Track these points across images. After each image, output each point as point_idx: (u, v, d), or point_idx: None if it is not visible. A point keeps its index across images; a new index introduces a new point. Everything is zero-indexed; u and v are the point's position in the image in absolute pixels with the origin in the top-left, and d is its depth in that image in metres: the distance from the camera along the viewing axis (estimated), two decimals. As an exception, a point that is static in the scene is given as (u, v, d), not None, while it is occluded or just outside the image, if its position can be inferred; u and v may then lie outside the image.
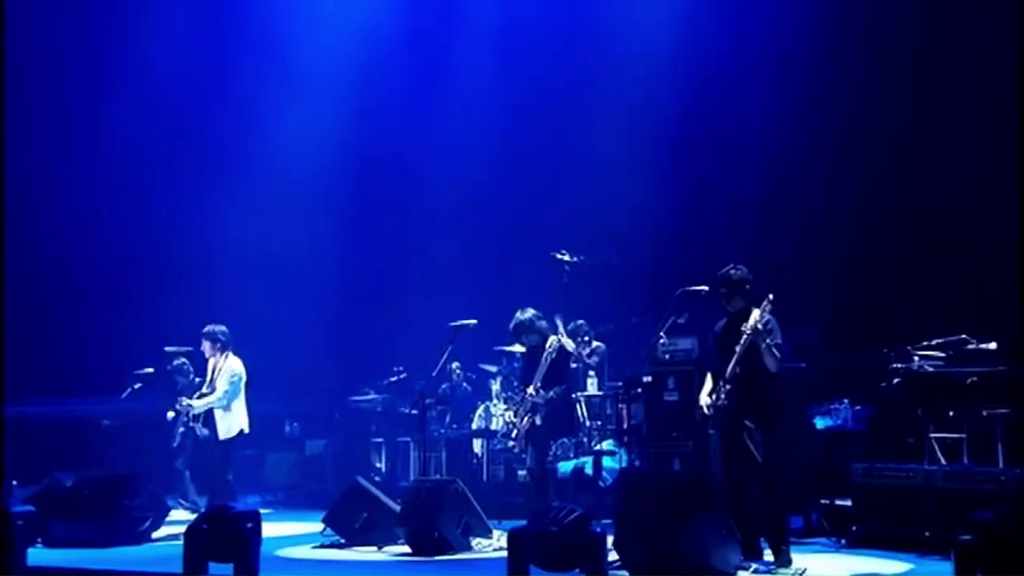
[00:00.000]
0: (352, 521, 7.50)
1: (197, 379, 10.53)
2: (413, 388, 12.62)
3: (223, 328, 9.04)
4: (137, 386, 10.71)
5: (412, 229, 13.20)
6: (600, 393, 9.72)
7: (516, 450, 7.96)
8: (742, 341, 6.19)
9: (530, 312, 7.96)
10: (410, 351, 12.79)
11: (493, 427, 9.99)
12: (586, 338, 9.71)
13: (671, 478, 6.80)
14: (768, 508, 6.11)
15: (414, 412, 12.14)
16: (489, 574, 6.40)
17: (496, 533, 7.34)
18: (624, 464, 9.07)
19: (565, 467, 9.04)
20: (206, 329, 8.98)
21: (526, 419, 7.79)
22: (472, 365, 12.27)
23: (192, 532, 5.69)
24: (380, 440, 12.07)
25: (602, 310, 10.44)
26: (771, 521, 6.10)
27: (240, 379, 8.91)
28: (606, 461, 9.04)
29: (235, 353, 9.03)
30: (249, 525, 5.60)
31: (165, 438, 10.46)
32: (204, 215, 12.53)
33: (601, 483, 8.87)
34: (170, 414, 9.69)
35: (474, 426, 10.39)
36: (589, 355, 9.60)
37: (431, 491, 7.17)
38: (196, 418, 8.83)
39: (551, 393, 7.72)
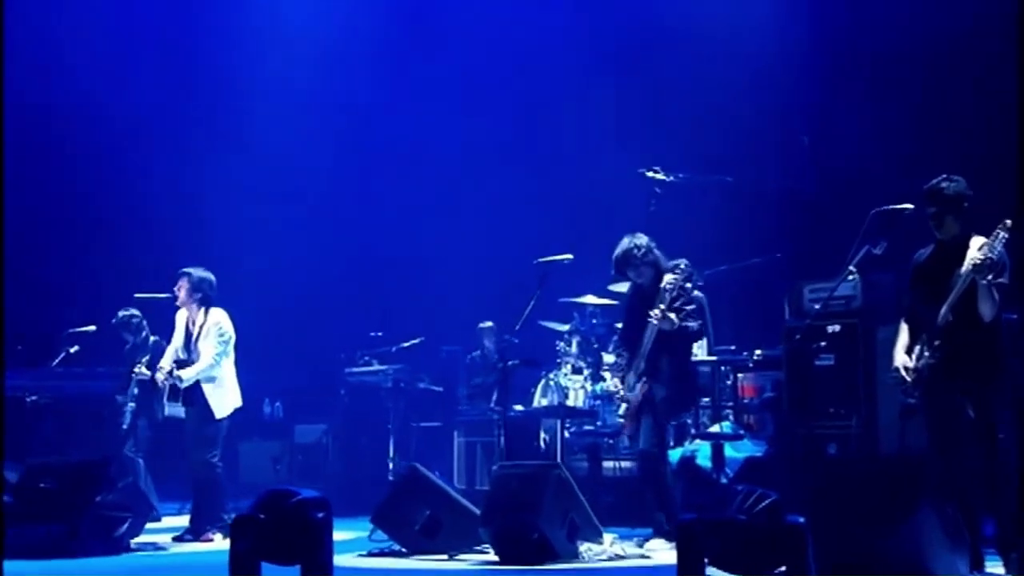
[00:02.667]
0: (410, 521, 7.58)
1: (153, 338, 10.59)
2: (439, 356, 12.89)
3: (209, 275, 9.03)
4: (73, 349, 10.67)
5: (432, 139, 13.23)
6: (713, 359, 9.85)
7: (627, 431, 8.04)
8: (960, 279, 6.26)
9: (644, 238, 7.98)
10: (426, 309, 12.99)
11: (571, 403, 10.09)
12: (687, 285, 9.78)
13: (880, 462, 6.92)
14: (999, 501, 6.21)
15: (437, 389, 12.49)
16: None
17: (608, 537, 7.46)
18: (752, 451, 9.22)
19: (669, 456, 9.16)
20: (188, 270, 8.96)
21: (639, 388, 7.87)
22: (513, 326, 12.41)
23: (243, 524, 5.74)
24: (391, 426, 12.20)
25: (706, 248, 10.50)
26: (1003, 516, 6.22)
27: (230, 338, 8.94)
28: (727, 449, 9.17)
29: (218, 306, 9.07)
30: (320, 515, 5.67)
31: (112, 417, 10.57)
32: (166, 149, 13.07)
33: (723, 477, 9.00)
34: (140, 370, 9.66)
35: (538, 403, 10.49)
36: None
37: (527, 479, 7.23)
38: (174, 392, 8.82)
39: (691, 324, 7.77)
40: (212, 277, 9.05)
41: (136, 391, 10.23)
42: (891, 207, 6.93)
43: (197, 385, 8.82)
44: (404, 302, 13.10)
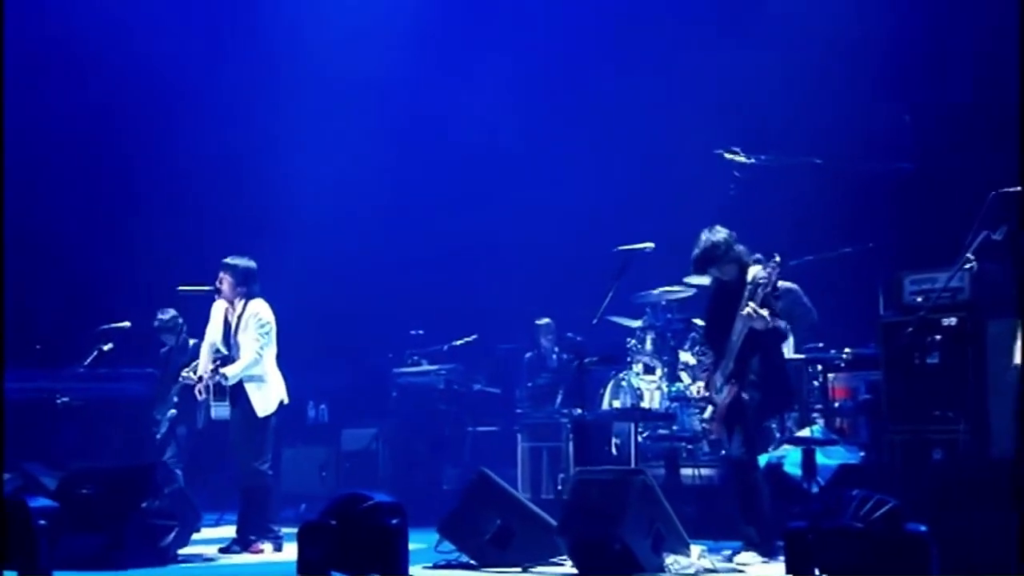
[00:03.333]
0: (480, 531, 7.60)
1: (192, 341, 10.67)
2: (495, 355, 12.91)
3: (252, 265, 9.10)
4: (106, 347, 10.76)
5: (485, 122, 13.26)
6: (800, 357, 9.81)
7: (714, 436, 8.04)
8: None
9: (723, 232, 7.98)
10: (479, 304, 12.98)
11: (645, 405, 10.10)
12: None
13: (1001, 468, 6.86)
14: None
15: (493, 390, 12.51)
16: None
17: (696, 549, 7.45)
18: (845, 458, 9.17)
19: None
20: (231, 261, 9.02)
21: (728, 390, 7.86)
22: (573, 322, 12.39)
23: (312, 531, 5.80)
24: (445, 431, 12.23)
25: (790, 237, 10.46)
26: None
27: (271, 328, 8.99)
28: (818, 455, 9.12)
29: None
30: (394, 521, 5.71)
31: (147, 421, 10.69)
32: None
33: (814, 487, 8.96)
34: (187, 374, 9.82)
35: (608, 405, 10.50)
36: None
37: (608, 485, 7.24)
38: (219, 391, 8.87)
39: (781, 323, 7.74)
40: (255, 266, 9.11)
41: (177, 397, 10.37)
42: (1012, 189, 6.88)
43: (239, 384, 8.87)
44: (456, 297, 13.13)
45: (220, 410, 8.96)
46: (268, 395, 8.93)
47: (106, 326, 10.69)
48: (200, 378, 8.93)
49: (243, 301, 8.99)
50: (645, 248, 8.50)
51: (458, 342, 12.51)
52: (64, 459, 10.38)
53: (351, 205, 13.32)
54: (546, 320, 12.19)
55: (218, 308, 9.12)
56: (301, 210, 13.06)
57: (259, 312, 8.93)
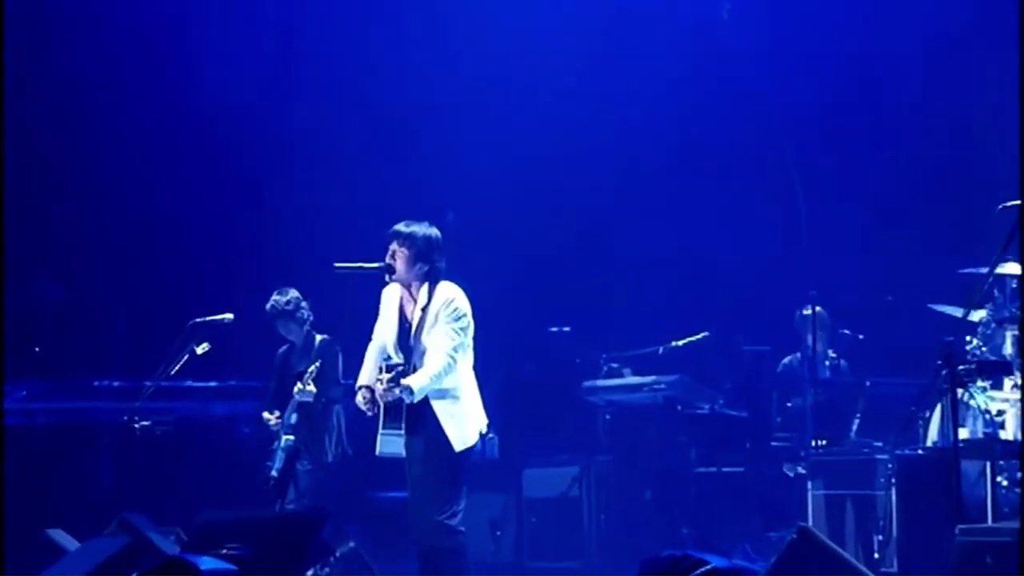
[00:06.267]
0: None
1: (320, 337, 10.69)
2: (737, 361, 12.79)
3: (435, 232, 8.90)
4: (201, 348, 10.78)
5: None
6: None
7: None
8: None
9: None
10: (711, 289, 13.10)
11: (1007, 435, 9.81)
12: None
13: None
14: None
15: (737, 413, 12.38)
16: None
17: None
18: None
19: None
20: (405, 228, 8.81)
21: None
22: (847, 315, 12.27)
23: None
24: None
25: None
26: None
27: (469, 324, 8.80)
28: None
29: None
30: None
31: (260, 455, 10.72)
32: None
33: None
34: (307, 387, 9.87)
35: (937, 435, 10.25)
36: None
37: (1013, 551, 7.08)
38: (393, 414, 8.64)
39: None
40: (439, 234, 8.93)
41: (295, 419, 10.34)
42: None
43: (424, 404, 8.64)
44: (676, 277, 13.30)
45: (392, 441, 8.73)
46: (465, 419, 8.78)
47: (200, 319, 10.68)
48: (369, 389, 8.79)
49: (427, 286, 8.83)
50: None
51: (680, 342, 12.48)
52: (147, 506, 10.50)
53: (532, 173, 13.74)
54: (816, 309, 11.97)
55: (391, 294, 8.97)
56: (463, 177, 13.65)
57: (454, 299, 8.74)
